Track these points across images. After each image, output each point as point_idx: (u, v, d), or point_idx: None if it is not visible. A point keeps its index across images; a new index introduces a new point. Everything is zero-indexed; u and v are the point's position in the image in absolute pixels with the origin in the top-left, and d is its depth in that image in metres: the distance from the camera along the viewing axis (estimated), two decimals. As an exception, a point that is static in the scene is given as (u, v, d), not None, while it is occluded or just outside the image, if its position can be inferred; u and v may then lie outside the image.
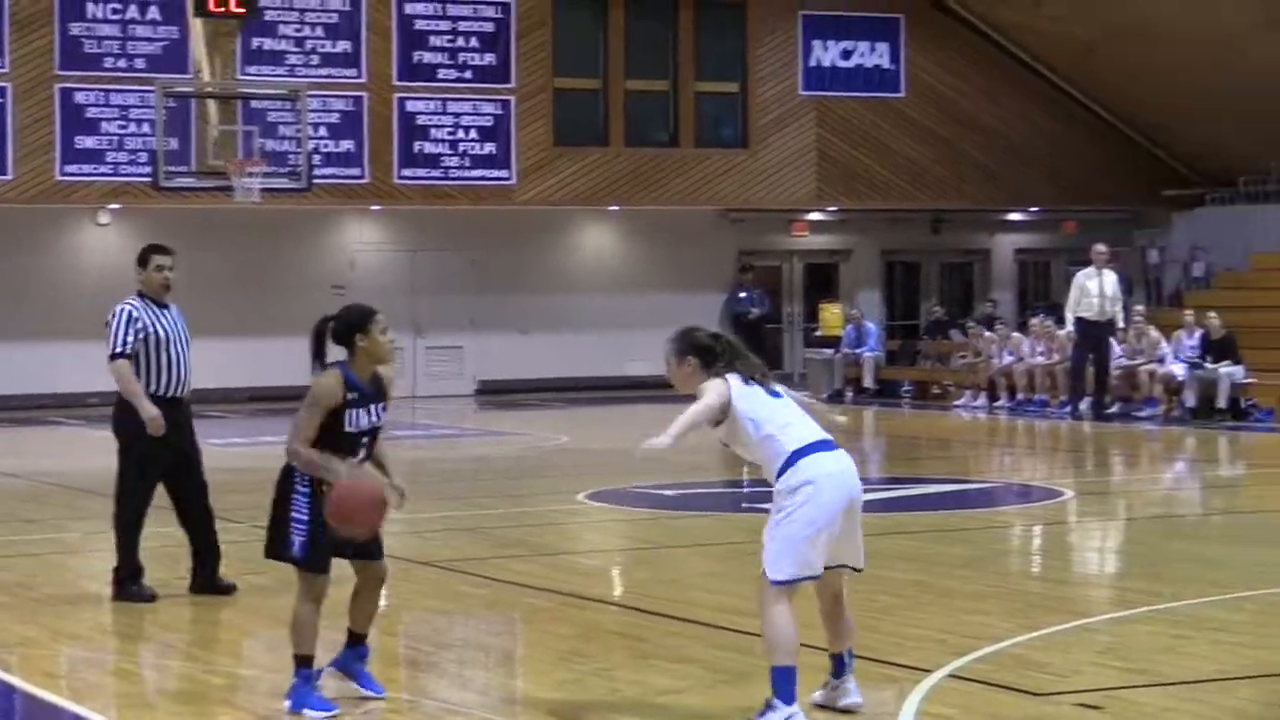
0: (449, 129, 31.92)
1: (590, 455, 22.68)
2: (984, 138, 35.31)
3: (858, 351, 32.81)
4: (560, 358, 33.64)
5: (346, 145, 31.29)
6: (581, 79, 33.41)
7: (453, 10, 31.89)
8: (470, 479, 20.53)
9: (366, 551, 8.70)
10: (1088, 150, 35.66)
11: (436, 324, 33.11)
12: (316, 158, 29.91)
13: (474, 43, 32.05)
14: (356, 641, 8.75)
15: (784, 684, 7.84)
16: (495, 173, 32.24)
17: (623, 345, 33.83)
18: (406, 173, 31.73)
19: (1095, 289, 27.00)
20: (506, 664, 10.18)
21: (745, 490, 16.80)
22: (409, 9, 31.66)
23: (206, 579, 11.78)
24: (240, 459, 19.94)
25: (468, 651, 10.31)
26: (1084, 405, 27.23)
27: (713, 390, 7.97)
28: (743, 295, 34.43)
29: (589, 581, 12.56)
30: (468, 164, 32.04)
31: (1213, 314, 27.25)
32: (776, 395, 8.09)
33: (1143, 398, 27.45)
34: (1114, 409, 27.17)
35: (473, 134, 32.05)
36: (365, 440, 8.61)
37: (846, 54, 34.44)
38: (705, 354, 8.07)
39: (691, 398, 8.04)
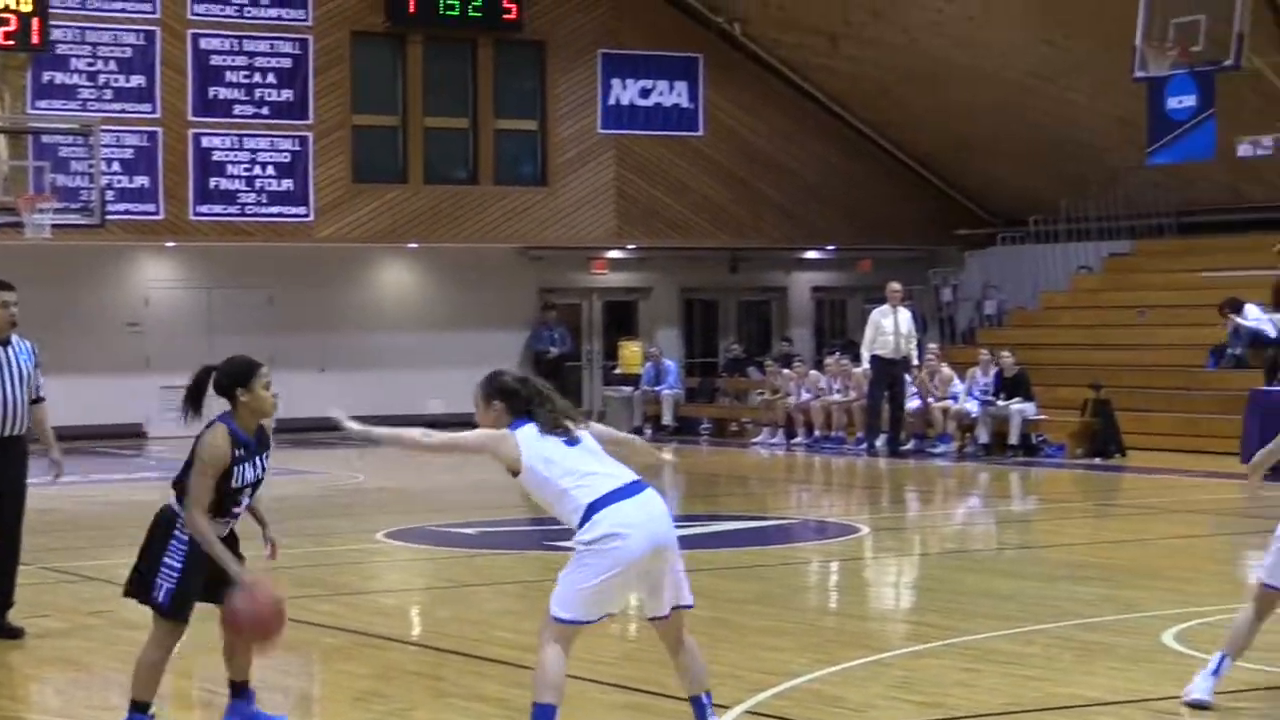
0: (246, 165, 31.67)
1: (389, 494, 22.57)
2: (781, 177, 35.68)
3: (657, 389, 32.98)
4: (359, 396, 33.29)
5: (141, 181, 30.92)
6: (380, 116, 33.31)
7: (249, 45, 31.66)
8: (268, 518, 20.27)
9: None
10: (883, 189, 36.17)
11: (233, 362, 32.72)
12: (110, 194, 29.58)
13: (271, 79, 31.84)
14: (242, 690, 8.68)
15: None
16: (293, 209, 32.02)
17: (423, 383, 33.72)
18: (202, 209, 31.42)
19: (890, 326, 27.34)
20: (303, 705, 10.09)
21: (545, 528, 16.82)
22: (204, 44, 31.39)
23: (-5, 623, 11.56)
24: (29, 500, 19.55)
25: (264, 693, 10.18)
26: (879, 442, 27.57)
27: (492, 436, 8.00)
28: (544, 333, 34.49)
29: (388, 621, 12.50)
30: (265, 200, 31.79)
31: (1005, 351, 27.73)
32: (574, 444, 8.00)
33: (937, 434, 27.85)
34: (909, 445, 27.54)
35: (270, 170, 31.82)
36: (248, 493, 8.51)
37: (645, 93, 34.65)
38: (511, 397, 8.05)
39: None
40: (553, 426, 7.99)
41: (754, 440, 30.72)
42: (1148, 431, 26.72)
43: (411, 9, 32.66)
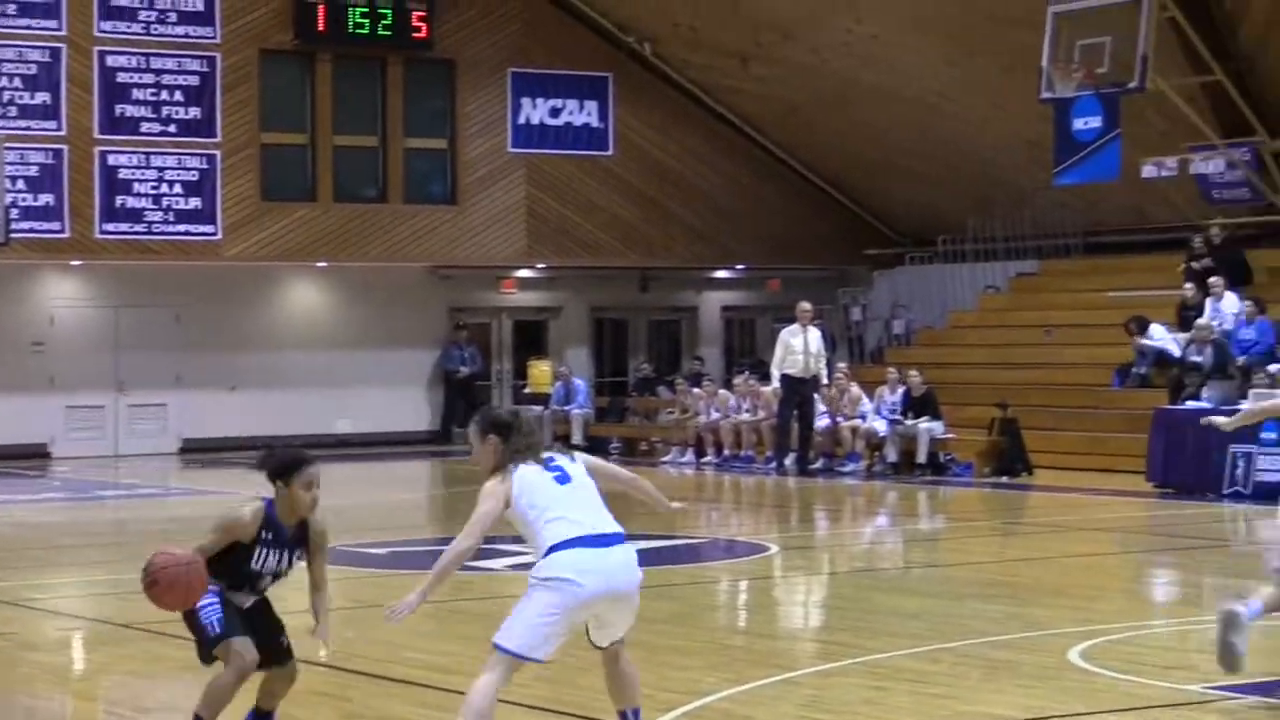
0: (153, 183, 31.46)
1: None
2: (691, 196, 35.77)
3: (566, 408, 32.98)
4: (268, 415, 33.21)
5: (46, 199, 30.67)
6: (289, 134, 33.18)
7: (156, 63, 31.46)
8: (174, 539, 20.14)
9: (276, 660, 8.60)
10: (792, 209, 36.31)
11: (140, 381, 32.54)
12: (14, 211, 29.31)
13: (178, 96, 31.65)
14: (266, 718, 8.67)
15: None
16: (201, 228, 31.83)
17: (332, 403, 33.64)
18: (109, 227, 31.19)
19: (800, 346, 27.42)
20: (210, 727, 10.01)
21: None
22: (111, 61, 31.18)
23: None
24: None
25: (168, 715, 10.13)
26: (788, 461, 27.65)
27: (490, 497, 8.04)
28: (454, 352, 34.46)
29: (295, 642, 12.41)
30: (172, 219, 31.59)
31: (913, 371, 27.87)
32: (564, 482, 8.10)
33: (845, 453, 27.95)
34: (817, 464, 27.63)
35: (177, 188, 31.62)
36: (268, 582, 8.44)
37: (555, 112, 34.67)
38: (505, 430, 8.12)
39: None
40: (538, 458, 8.08)
41: (664, 459, 30.75)
42: (1054, 450, 26.89)
43: (320, 27, 32.56)
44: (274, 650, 8.52)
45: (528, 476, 8.05)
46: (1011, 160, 32.22)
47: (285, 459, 8.36)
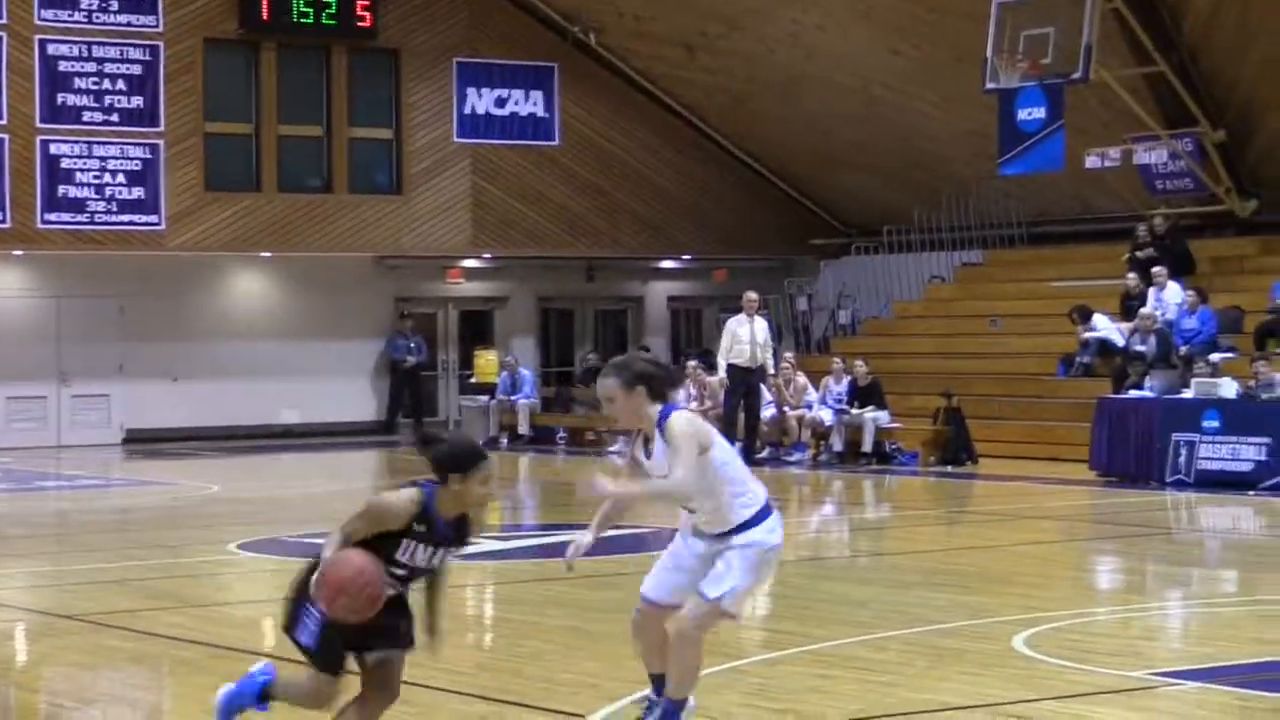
0: (95, 173, 31.27)
1: (242, 505, 22.35)
2: (638, 186, 35.74)
3: (513, 398, 32.92)
4: (212, 405, 33.12)
5: (-12, 188, 30.49)
6: (233, 123, 33.01)
7: (98, 52, 31.26)
8: (118, 530, 20.08)
9: (395, 642, 7.59)
10: (739, 200, 36.33)
11: (83, 372, 32.35)
12: (-44, 201, 29.11)
13: (121, 85, 31.45)
14: None
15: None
16: (144, 218, 31.65)
17: (277, 393, 33.52)
18: (51, 217, 30.98)
19: (746, 335, 27.41)
20: (153, 718, 9.96)
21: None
22: (52, 49, 30.96)
23: None
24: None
25: (112, 706, 10.07)
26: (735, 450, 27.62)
27: (691, 439, 7.82)
28: (400, 342, 34.37)
29: (240, 633, 12.37)
30: (115, 209, 31.40)
31: (859, 360, 27.91)
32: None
33: (791, 442, 27.99)
34: (764, 453, 27.65)
35: (120, 178, 31.43)
36: (413, 579, 7.53)
37: (501, 101, 34.58)
38: (651, 380, 7.90)
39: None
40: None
41: (610, 449, 30.69)
42: (999, 439, 27.00)
43: (265, 16, 32.39)
44: (390, 634, 7.57)
45: (705, 426, 7.94)
46: (957, 151, 32.30)
47: (466, 451, 7.45)
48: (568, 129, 35.11)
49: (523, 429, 32.63)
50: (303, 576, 7.57)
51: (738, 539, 8.02)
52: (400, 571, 7.44)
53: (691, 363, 31.01)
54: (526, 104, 34.87)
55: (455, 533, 7.44)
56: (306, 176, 33.71)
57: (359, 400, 34.77)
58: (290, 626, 7.55)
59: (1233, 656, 10.78)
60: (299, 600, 7.52)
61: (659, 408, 7.92)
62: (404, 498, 7.37)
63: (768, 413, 28.03)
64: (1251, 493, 21.25)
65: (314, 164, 33.76)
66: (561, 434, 32.89)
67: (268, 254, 33.46)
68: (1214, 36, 28.26)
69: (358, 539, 7.39)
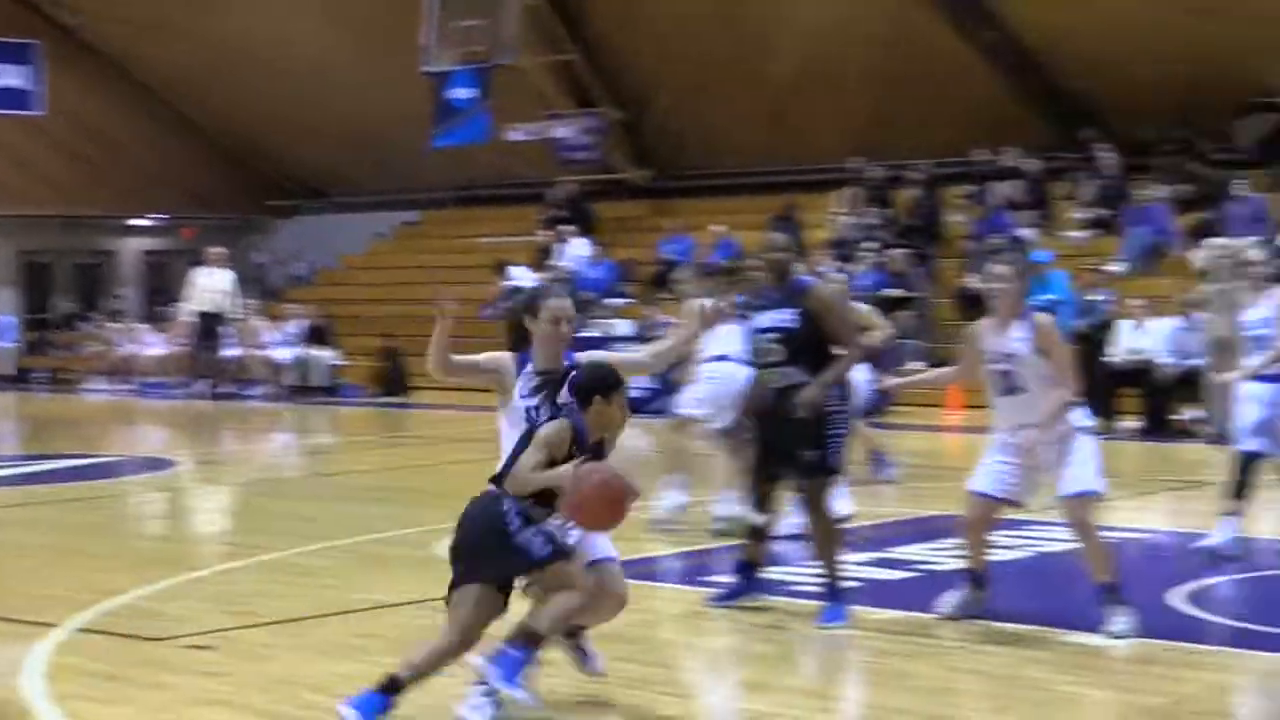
0: None
1: None
2: (115, 153, 34.70)
3: (-4, 342, 31.67)
4: None
5: None
6: None
7: None
8: None
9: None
10: (205, 165, 35.68)
11: None
12: None
13: None
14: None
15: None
16: None
17: None
18: None
19: (211, 285, 27.13)
20: None
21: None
22: None
23: None
24: None
25: None
26: (200, 386, 27.24)
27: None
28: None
29: None
30: None
31: (312, 306, 27.83)
32: None
33: (250, 378, 27.73)
34: (227, 389, 27.31)
35: None
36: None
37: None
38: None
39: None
40: None
41: (84, 387, 29.86)
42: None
43: None
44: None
45: None
46: (397, 125, 32.30)
47: (606, 376, 6.90)
48: (52, 100, 33.61)
49: (8, 371, 31.48)
50: (491, 521, 7.00)
51: None
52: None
53: (161, 309, 30.37)
54: (15, 78, 33.25)
55: (596, 458, 6.87)
56: None
57: None
58: (508, 563, 6.89)
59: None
60: (512, 532, 6.89)
61: None
62: (563, 425, 6.85)
63: (230, 353, 27.69)
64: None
65: None
66: (43, 374, 31.82)
67: None
68: (614, 31, 29.08)
69: (538, 470, 6.84)
